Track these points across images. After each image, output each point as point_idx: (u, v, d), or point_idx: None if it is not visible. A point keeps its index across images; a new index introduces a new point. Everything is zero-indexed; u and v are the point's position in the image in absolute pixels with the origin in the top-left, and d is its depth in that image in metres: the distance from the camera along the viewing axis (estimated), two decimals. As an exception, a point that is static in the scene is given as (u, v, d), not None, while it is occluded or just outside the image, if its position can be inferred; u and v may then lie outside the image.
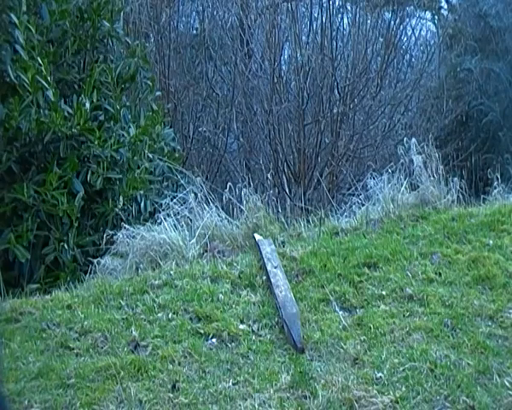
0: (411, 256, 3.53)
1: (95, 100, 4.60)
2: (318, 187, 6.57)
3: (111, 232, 4.00)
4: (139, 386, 2.63)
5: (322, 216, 4.12)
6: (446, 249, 3.58)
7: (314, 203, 5.66)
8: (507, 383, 2.64)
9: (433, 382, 2.64)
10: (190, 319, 3.07)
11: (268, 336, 2.97)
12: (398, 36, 7.68)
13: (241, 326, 3.03)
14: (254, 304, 3.19)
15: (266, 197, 4.28)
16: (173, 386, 2.64)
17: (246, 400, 2.58)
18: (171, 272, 3.47)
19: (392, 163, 4.48)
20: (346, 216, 4.20)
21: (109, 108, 4.77)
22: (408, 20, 8.36)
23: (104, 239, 3.99)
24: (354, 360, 2.79)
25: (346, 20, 7.71)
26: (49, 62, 4.38)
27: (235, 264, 3.55)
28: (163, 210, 4.05)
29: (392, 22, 7.44)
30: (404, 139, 4.52)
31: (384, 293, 3.24)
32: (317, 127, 6.91)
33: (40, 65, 4.28)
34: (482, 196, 4.36)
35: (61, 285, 3.56)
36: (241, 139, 7.76)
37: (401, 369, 2.71)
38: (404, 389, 2.61)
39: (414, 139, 4.40)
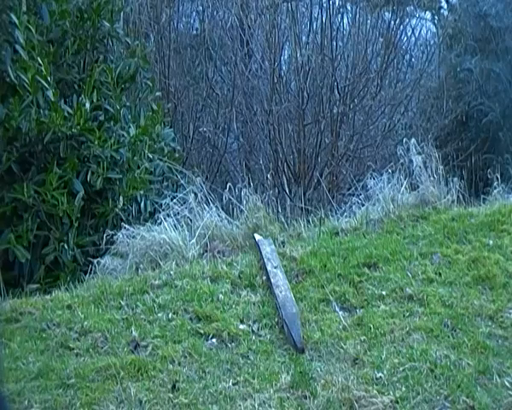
0: (411, 256, 3.53)
1: (95, 100, 4.60)
2: (318, 187, 6.56)
3: (111, 232, 4.00)
4: (139, 386, 2.63)
5: (322, 216, 4.12)
6: (446, 249, 3.58)
7: (314, 203, 5.65)
8: (507, 383, 2.64)
9: (433, 382, 2.64)
10: (190, 319, 3.08)
11: (268, 336, 2.98)
12: (398, 36, 7.66)
13: (241, 326, 3.03)
14: (254, 304, 3.20)
15: (266, 197, 4.28)
16: (173, 386, 2.64)
17: (246, 400, 2.58)
18: (171, 272, 3.47)
19: (392, 163, 4.49)
20: (346, 216, 4.20)
21: (109, 108, 4.77)
22: (408, 20, 8.35)
23: (104, 239, 3.99)
24: (354, 360, 2.80)
25: (346, 20, 7.70)
26: (49, 62, 4.38)
27: (235, 264, 3.55)
28: (163, 210, 4.05)
29: (392, 22, 7.42)
30: (404, 139, 4.52)
31: (384, 293, 3.24)
32: (317, 127, 6.90)
33: (40, 65, 4.28)
34: (482, 196, 4.36)
35: (61, 285, 3.56)
36: (241, 139, 7.75)
37: (401, 369, 2.71)
38: (404, 389, 2.61)
39: (414, 139, 4.40)
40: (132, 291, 3.29)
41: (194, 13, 8.34)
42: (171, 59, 7.31)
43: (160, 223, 3.93)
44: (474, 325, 2.99)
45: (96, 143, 4.50)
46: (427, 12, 9.44)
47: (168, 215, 3.98)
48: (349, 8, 7.81)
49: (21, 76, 4.22)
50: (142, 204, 4.78)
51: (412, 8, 8.67)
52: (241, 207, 4.06)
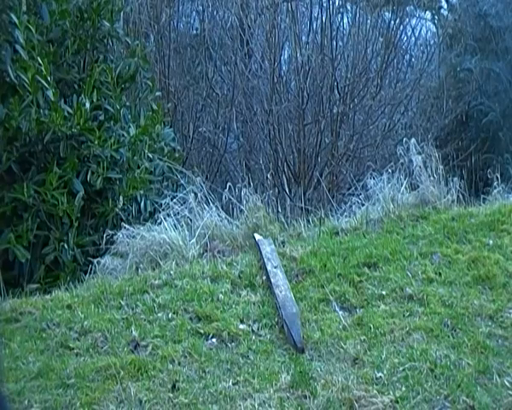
0: (411, 256, 3.53)
1: (95, 100, 4.60)
2: (318, 187, 6.56)
3: (111, 232, 4.00)
4: (139, 386, 2.63)
5: (322, 216, 4.12)
6: (446, 249, 3.58)
7: (314, 203, 5.65)
8: (507, 383, 2.64)
9: (433, 382, 2.64)
10: (190, 319, 3.08)
11: (268, 336, 2.98)
12: (398, 36, 7.66)
13: (241, 326, 3.03)
14: (254, 304, 3.20)
15: (266, 197, 4.28)
16: (173, 386, 2.64)
17: (246, 400, 2.58)
18: (171, 272, 3.47)
19: (391, 163, 4.48)
20: (346, 216, 4.20)
21: (109, 108, 4.77)
22: (408, 20, 8.35)
23: (104, 239, 3.99)
24: (354, 360, 2.80)
25: (346, 20, 7.70)
26: (49, 62, 4.38)
27: (235, 264, 3.55)
28: (163, 210, 4.05)
29: (392, 22, 7.43)
30: (404, 139, 4.52)
31: (384, 293, 3.24)
32: (316, 127, 6.90)
33: (40, 65, 4.28)
34: (482, 195, 4.36)
35: (61, 285, 3.56)
36: (241, 139, 7.75)
37: (401, 369, 2.71)
38: (404, 389, 2.61)
39: (414, 139, 4.40)
40: (132, 291, 3.29)
41: (194, 13, 8.34)
42: (171, 59, 7.32)
43: (160, 223, 3.93)
44: (474, 325, 2.99)
45: (96, 142, 4.50)
46: (427, 12, 9.44)
47: (168, 215, 3.98)
48: (349, 8, 7.81)
49: (21, 76, 4.22)
50: (142, 204, 4.78)
51: (412, 8, 8.67)
52: (241, 207, 4.06)
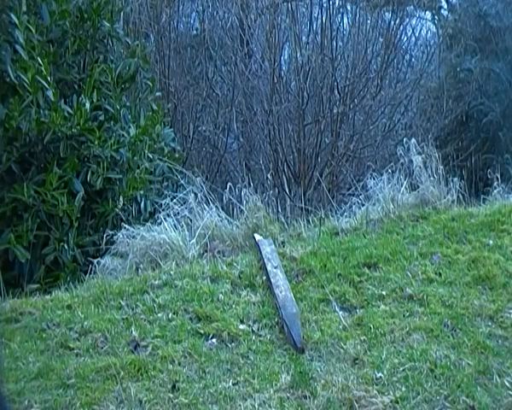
0: (411, 256, 3.53)
1: (95, 100, 4.60)
2: (318, 187, 6.56)
3: (111, 232, 4.00)
4: (139, 386, 2.63)
5: (322, 216, 4.12)
6: (446, 249, 3.58)
7: (314, 203, 5.65)
8: (507, 383, 2.64)
9: (433, 382, 2.64)
10: (190, 319, 3.08)
11: (268, 336, 2.98)
12: (398, 36, 7.66)
13: (241, 326, 3.03)
14: (254, 304, 3.20)
15: (266, 197, 4.28)
16: (173, 386, 2.64)
17: (246, 400, 2.58)
18: (171, 272, 3.47)
19: (392, 163, 4.48)
20: (346, 216, 4.20)
21: (109, 108, 4.77)
22: (408, 20, 8.35)
23: (104, 239, 3.99)
24: (354, 360, 2.80)
25: (346, 20, 7.71)
26: (49, 62, 4.38)
27: (235, 264, 3.55)
28: (163, 210, 4.05)
29: (392, 22, 7.42)
30: (404, 139, 4.52)
31: (384, 293, 3.24)
32: (317, 127, 6.90)
33: (40, 65, 4.28)
34: (482, 196, 4.36)
35: (61, 285, 3.56)
36: (241, 139, 7.76)
37: (401, 369, 2.71)
38: (404, 389, 2.61)
39: (414, 139, 4.40)
40: (132, 291, 3.29)
41: (194, 13, 8.35)
42: (171, 59, 7.32)
43: (160, 223, 3.93)
44: (474, 325, 2.99)
45: (96, 143, 4.50)
46: (427, 12, 9.44)
47: (168, 215, 3.98)
48: (349, 8, 7.81)
49: (21, 76, 4.22)
50: (142, 204, 4.78)
51: (412, 8, 8.67)
52: (241, 207, 4.06)
